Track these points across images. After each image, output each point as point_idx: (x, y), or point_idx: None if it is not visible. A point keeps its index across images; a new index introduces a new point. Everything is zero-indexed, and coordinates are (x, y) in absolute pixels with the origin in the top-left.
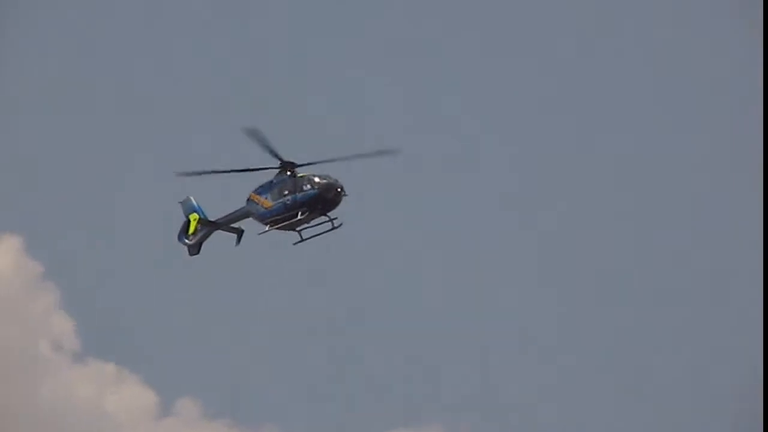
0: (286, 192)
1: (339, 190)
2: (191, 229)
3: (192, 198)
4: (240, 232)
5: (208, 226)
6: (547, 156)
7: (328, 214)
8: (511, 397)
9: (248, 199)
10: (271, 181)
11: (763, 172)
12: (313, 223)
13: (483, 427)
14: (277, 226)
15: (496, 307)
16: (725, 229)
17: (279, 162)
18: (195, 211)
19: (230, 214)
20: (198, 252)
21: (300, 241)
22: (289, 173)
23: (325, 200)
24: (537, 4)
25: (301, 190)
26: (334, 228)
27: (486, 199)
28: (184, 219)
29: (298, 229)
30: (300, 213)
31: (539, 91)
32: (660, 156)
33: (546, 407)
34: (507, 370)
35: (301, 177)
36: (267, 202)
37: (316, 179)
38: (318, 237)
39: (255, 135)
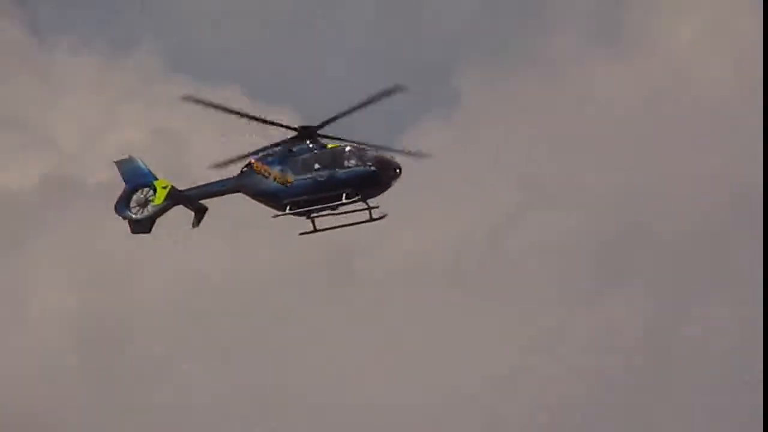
0: (318, 166)
1: (397, 170)
2: (158, 199)
3: (138, 158)
4: (204, 211)
5: (176, 199)
6: None
7: (368, 200)
8: None
9: (247, 170)
10: (290, 149)
11: (763, 172)
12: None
13: None
14: (300, 210)
15: None
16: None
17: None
18: (145, 175)
19: (209, 186)
20: (149, 230)
21: (311, 232)
22: (309, 141)
23: (379, 182)
24: None
25: (343, 165)
26: (372, 219)
27: None
28: (127, 184)
29: (314, 215)
30: (345, 195)
31: None
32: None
33: None
34: None
35: (340, 148)
36: (284, 175)
37: (369, 153)
38: (340, 229)
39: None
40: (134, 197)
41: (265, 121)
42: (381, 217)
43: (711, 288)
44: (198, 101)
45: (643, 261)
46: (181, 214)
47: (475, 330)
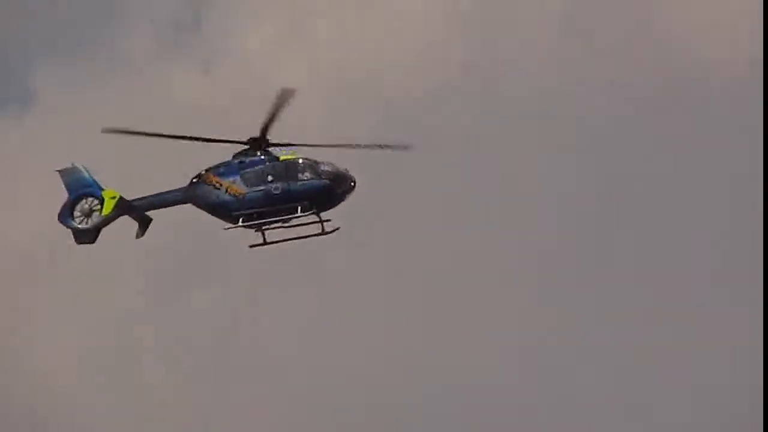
0: (271, 178)
1: (351, 183)
2: (105, 210)
3: (82, 167)
4: (148, 222)
5: (123, 210)
6: None
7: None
8: None
9: (198, 180)
10: (242, 161)
11: (763, 172)
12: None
13: None
14: (253, 222)
15: None
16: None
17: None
18: (90, 185)
19: (158, 196)
20: (94, 240)
21: (261, 245)
22: (259, 153)
23: (333, 195)
24: None
25: (297, 178)
26: (324, 233)
27: None
28: (69, 194)
29: (265, 228)
30: (300, 207)
31: None
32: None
33: None
34: None
35: (293, 160)
36: (236, 187)
37: (322, 166)
38: (289, 242)
39: None
40: (78, 207)
41: (209, 140)
42: (333, 230)
43: None
44: (123, 132)
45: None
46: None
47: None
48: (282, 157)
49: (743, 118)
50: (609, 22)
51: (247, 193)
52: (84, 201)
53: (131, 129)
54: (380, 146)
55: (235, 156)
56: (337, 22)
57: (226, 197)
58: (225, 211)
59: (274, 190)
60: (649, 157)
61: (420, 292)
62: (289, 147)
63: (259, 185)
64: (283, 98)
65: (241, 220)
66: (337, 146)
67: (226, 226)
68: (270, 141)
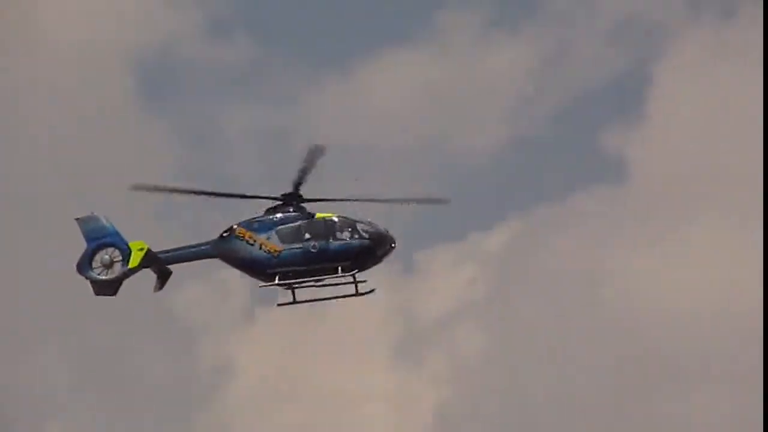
0: (309, 236)
1: (393, 245)
2: (132, 262)
3: (102, 216)
4: (168, 275)
5: (149, 262)
6: None
7: (357, 274)
8: None
9: (229, 235)
10: (276, 218)
11: (763, 172)
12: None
13: None
14: (289, 281)
15: None
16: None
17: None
18: (110, 234)
19: (185, 249)
20: (115, 293)
21: (290, 303)
22: (292, 209)
23: (373, 256)
24: None
25: (336, 237)
26: (359, 294)
27: None
28: (88, 244)
29: (296, 286)
30: (341, 268)
31: None
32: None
33: None
34: None
35: (330, 218)
36: (272, 244)
37: (361, 225)
38: (319, 302)
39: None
40: (97, 257)
41: (242, 196)
42: (369, 292)
43: None
44: (153, 189)
45: None
46: None
47: None
48: (318, 215)
49: None
50: None
51: (284, 250)
52: (104, 251)
53: (161, 186)
54: (416, 201)
55: (267, 211)
56: None
57: (261, 254)
58: (259, 268)
59: (311, 249)
60: None
61: None
62: (324, 201)
63: (296, 243)
64: (314, 154)
65: (277, 278)
66: (375, 201)
67: (261, 284)
68: (303, 196)
